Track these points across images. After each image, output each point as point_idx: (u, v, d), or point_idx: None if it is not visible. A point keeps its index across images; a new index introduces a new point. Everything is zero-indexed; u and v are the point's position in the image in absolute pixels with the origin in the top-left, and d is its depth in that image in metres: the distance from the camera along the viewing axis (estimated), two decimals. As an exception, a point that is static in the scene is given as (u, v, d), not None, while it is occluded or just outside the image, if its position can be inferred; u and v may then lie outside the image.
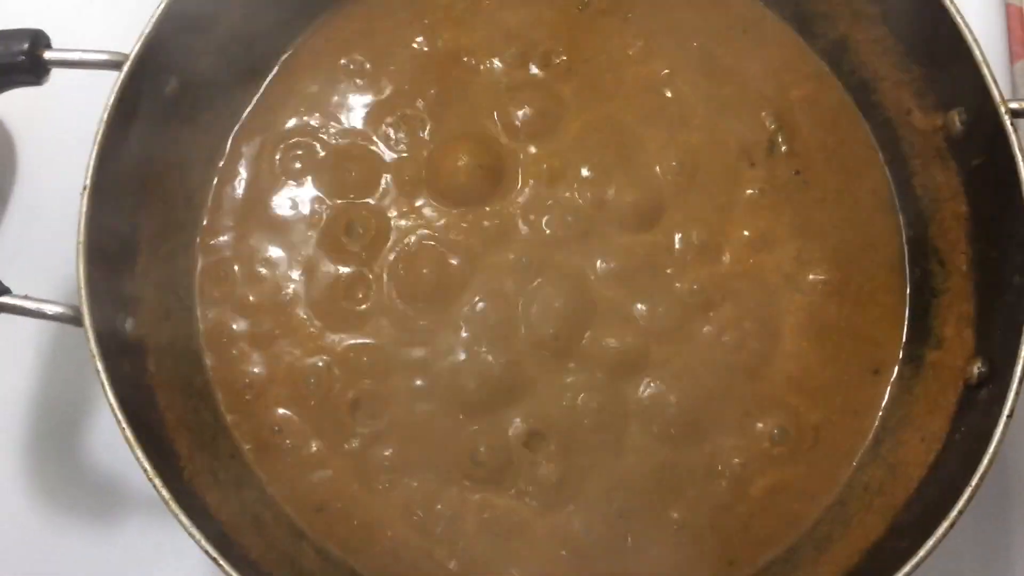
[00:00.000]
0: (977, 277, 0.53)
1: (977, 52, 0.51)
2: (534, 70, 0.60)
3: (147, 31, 0.51)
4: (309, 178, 0.58)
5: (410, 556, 0.53)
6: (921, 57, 0.55)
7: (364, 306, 0.56)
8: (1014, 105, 0.50)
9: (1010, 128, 0.49)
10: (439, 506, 0.53)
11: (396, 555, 0.53)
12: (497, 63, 0.60)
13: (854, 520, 0.53)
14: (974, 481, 0.46)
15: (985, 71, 0.50)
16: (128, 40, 0.51)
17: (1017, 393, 0.47)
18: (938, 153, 0.55)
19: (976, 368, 0.51)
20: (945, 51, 0.53)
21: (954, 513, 0.45)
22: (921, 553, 0.45)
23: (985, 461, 0.46)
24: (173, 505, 0.45)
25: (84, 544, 0.58)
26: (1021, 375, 0.47)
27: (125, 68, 0.51)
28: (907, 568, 0.45)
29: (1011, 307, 0.49)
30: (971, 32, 0.51)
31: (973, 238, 0.54)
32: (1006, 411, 0.46)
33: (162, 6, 0.52)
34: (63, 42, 0.52)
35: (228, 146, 0.59)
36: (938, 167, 0.55)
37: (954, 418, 0.51)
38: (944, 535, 0.45)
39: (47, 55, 0.51)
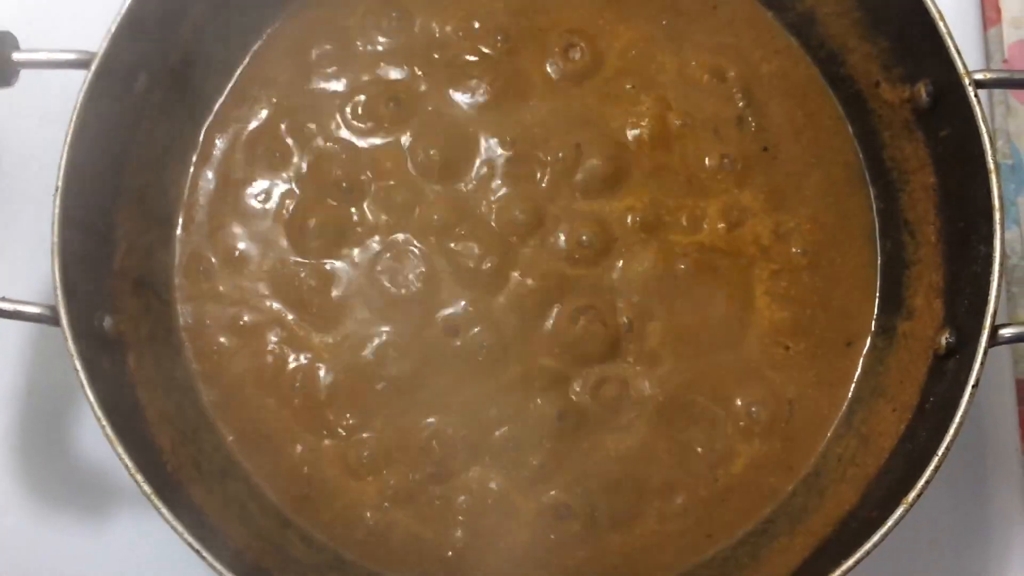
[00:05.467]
0: (945, 248, 0.53)
1: (941, 24, 0.51)
2: (504, 48, 0.60)
3: (113, 28, 0.51)
4: (283, 169, 0.58)
5: (397, 540, 0.54)
6: (888, 29, 0.55)
7: (340, 299, 0.56)
8: (979, 76, 0.50)
9: (975, 99, 0.50)
10: (424, 489, 0.54)
11: (383, 539, 0.54)
12: (469, 44, 0.60)
13: (828, 491, 0.53)
14: (940, 450, 0.46)
15: (949, 43, 0.51)
16: (96, 38, 0.51)
17: (982, 364, 0.47)
18: (906, 125, 0.55)
19: (944, 338, 0.51)
20: (910, 23, 0.53)
21: (921, 483, 0.46)
22: (890, 522, 0.46)
23: (951, 431, 0.46)
24: (155, 499, 0.46)
25: (73, 538, 0.59)
26: (986, 346, 0.47)
27: (93, 66, 0.51)
28: (876, 537, 0.46)
29: (977, 277, 0.49)
30: (935, 3, 0.51)
31: (941, 209, 0.54)
32: (971, 381, 0.47)
33: (128, 2, 0.52)
34: (31, 43, 0.52)
35: (201, 138, 0.59)
36: (906, 139, 0.56)
37: (924, 388, 0.52)
38: (912, 504, 0.46)
39: (15, 56, 0.51)
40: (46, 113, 0.54)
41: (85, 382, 0.47)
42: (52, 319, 0.48)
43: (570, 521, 0.54)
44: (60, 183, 0.50)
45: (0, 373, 0.61)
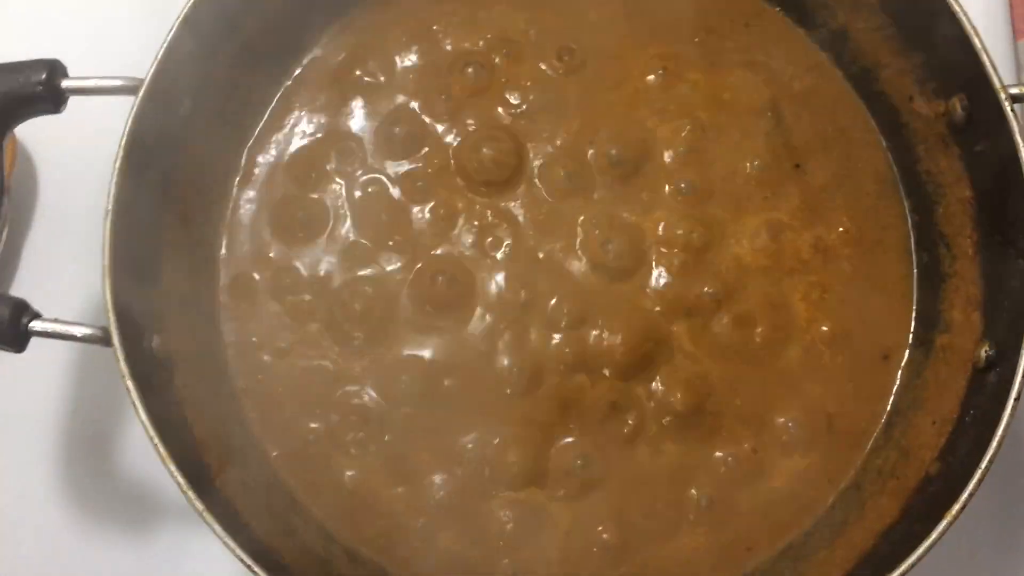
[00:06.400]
0: (983, 261, 0.54)
1: (976, 40, 0.51)
2: (542, 66, 0.61)
3: (160, 55, 0.53)
4: (324, 190, 0.59)
5: (440, 556, 0.55)
6: (921, 44, 0.56)
7: (381, 319, 0.57)
8: (1014, 91, 0.51)
9: (1011, 114, 0.50)
10: (466, 506, 0.55)
11: (426, 555, 0.55)
12: (503, 63, 0.61)
13: (868, 504, 0.54)
14: (983, 464, 0.46)
15: (984, 58, 0.51)
16: (143, 65, 0.53)
17: (1024, 377, 0.47)
18: (941, 139, 0.56)
19: (984, 351, 0.51)
20: (944, 38, 0.53)
21: (965, 496, 0.46)
22: (933, 536, 0.46)
23: (994, 444, 0.47)
24: (207, 516, 0.47)
25: (121, 555, 0.60)
26: (1027, 359, 0.47)
27: (140, 93, 0.52)
28: (920, 551, 0.46)
29: (1016, 291, 0.50)
30: (969, 19, 0.52)
31: (978, 222, 0.54)
32: (1013, 394, 0.47)
33: (174, 30, 0.53)
34: (79, 70, 0.53)
35: (243, 160, 0.60)
36: (942, 153, 0.56)
37: (964, 401, 0.52)
38: (956, 517, 0.46)
39: (64, 84, 0.52)
40: (91, 138, 0.55)
41: (137, 401, 0.48)
42: (104, 340, 0.49)
43: (610, 537, 0.54)
44: (110, 206, 0.51)
45: (46, 391, 0.62)
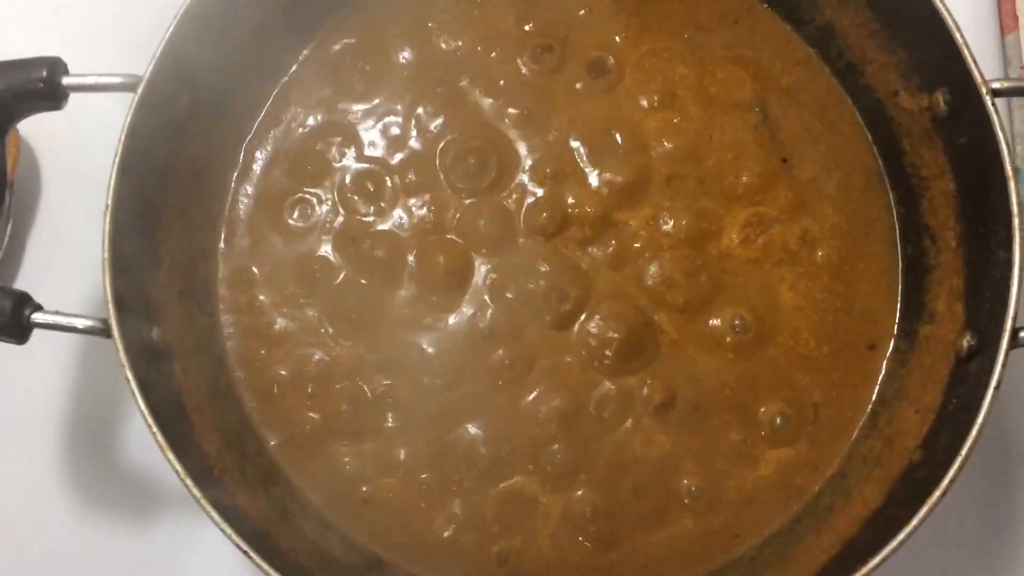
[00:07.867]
0: (966, 252, 0.54)
1: (958, 35, 0.52)
2: (529, 66, 0.62)
3: (158, 53, 0.54)
4: (319, 184, 0.60)
5: (434, 541, 0.56)
6: (905, 39, 0.57)
7: (377, 310, 0.58)
8: (995, 85, 0.51)
9: (991, 108, 0.51)
10: (459, 493, 0.56)
11: (420, 541, 0.56)
12: (495, 59, 0.62)
13: (854, 491, 0.54)
14: (963, 451, 0.47)
15: (966, 53, 0.52)
16: (141, 62, 0.53)
17: (1004, 366, 0.48)
18: (925, 133, 0.56)
19: (966, 341, 0.52)
20: (927, 33, 0.54)
21: (945, 483, 0.47)
22: (914, 522, 0.47)
23: (974, 432, 0.47)
24: (205, 503, 0.48)
25: (122, 542, 0.61)
26: (1007, 348, 0.48)
27: (139, 89, 0.53)
28: (902, 536, 0.47)
29: (997, 281, 0.50)
30: (951, 14, 0.52)
31: (961, 214, 0.55)
32: (993, 383, 0.48)
33: (172, 27, 0.54)
34: (79, 67, 0.54)
35: (241, 156, 0.61)
36: (926, 146, 0.57)
37: (946, 390, 0.53)
38: (936, 504, 0.47)
39: (65, 81, 0.53)
40: (92, 133, 0.56)
41: (136, 392, 0.49)
42: (104, 331, 0.50)
43: (600, 525, 0.55)
44: (110, 201, 0.52)
45: (48, 382, 0.63)
